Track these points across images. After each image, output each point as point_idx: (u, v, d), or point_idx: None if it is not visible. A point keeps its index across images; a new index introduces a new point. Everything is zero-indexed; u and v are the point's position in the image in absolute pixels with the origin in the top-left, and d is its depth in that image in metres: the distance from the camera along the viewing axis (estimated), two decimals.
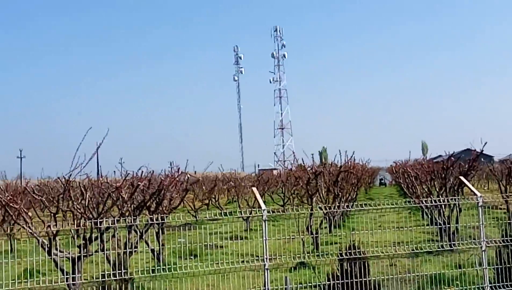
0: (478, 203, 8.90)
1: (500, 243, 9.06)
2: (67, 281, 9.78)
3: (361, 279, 7.37)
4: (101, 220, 10.16)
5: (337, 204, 15.28)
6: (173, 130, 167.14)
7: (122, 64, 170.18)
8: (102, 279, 6.74)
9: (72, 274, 9.90)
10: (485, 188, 44.57)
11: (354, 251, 7.49)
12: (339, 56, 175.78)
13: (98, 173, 18.60)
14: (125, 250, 10.86)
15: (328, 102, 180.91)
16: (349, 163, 18.69)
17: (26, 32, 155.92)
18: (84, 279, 9.62)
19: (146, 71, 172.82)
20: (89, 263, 11.80)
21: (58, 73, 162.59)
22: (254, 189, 8.26)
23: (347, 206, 12.07)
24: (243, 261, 8.67)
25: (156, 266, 13.74)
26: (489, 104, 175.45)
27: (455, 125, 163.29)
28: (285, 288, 10.31)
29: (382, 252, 8.45)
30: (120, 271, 6.73)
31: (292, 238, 14.33)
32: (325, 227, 19.01)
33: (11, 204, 10.02)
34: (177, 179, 12.89)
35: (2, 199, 9.60)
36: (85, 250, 10.21)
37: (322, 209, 14.85)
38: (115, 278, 6.70)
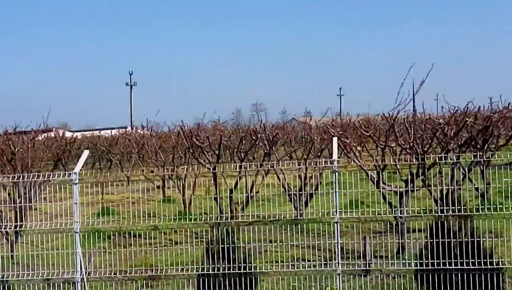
0: None
1: None
2: (394, 213, 10.14)
3: None
4: (427, 156, 10.19)
5: None
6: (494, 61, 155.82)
7: None
8: (440, 214, 6.78)
9: (400, 207, 10.22)
10: None
11: None
12: None
13: (414, 109, 18.60)
14: (452, 187, 10.73)
15: None
16: None
17: None
18: (409, 213, 9.85)
19: None
20: (411, 198, 12.00)
21: None
22: None
23: None
24: None
25: (480, 205, 13.29)
26: None
27: None
28: None
29: None
30: (457, 207, 6.67)
31: None
32: None
33: (342, 139, 10.68)
34: (507, 115, 12.08)
35: (335, 134, 10.29)
36: (411, 185, 10.39)
37: None
38: (451, 214, 6.67)
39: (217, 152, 14.66)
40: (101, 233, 11.76)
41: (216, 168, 11.95)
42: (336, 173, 7.16)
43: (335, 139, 7.63)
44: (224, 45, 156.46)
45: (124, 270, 8.46)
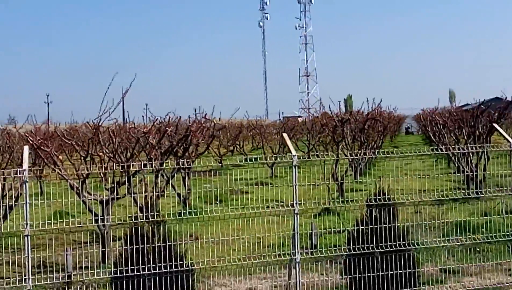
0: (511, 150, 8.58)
1: None
2: (96, 222, 10.00)
3: (389, 225, 7.43)
4: (130, 164, 10.31)
5: (363, 151, 15.26)
6: (197, 76, 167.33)
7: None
8: (135, 221, 6.88)
9: (102, 216, 10.13)
10: None
11: (384, 197, 7.51)
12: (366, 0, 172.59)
13: (124, 119, 18.78)
14: (152, 194, 11.02)
15: (354, 48, 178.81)
16: (376, 110, 18.53)
17: None
18: (113, 221, 9.83)
19: (169, 13, 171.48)
20: (118, 206, 12.04)
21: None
22: (285, 135, 8.29)
23: (373, 153, 12.10)
24: (268, 207, 8.76)
25: (182, 210, 14.01)
26: None
27: (484, 73, 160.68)
28: (311, 233, 10.48)
29: (407, 199, 8.46)
30: (152, 214, 6.86)
31: (317, 185, 14.37)
32: (350, 175, 19.05)
33: (42, 147, 10.18)
34: (204, 125, 12.95)
35: (34, 143, 9.75)
36: (114, 193, 10.40)
37: (347, 156, 14.84)
38: (147, 220, 6.83)
39: None
40: None
41: None
42: (26, 184, 6.76)
43: (25, 148, 7.21)
44: None
45: None
